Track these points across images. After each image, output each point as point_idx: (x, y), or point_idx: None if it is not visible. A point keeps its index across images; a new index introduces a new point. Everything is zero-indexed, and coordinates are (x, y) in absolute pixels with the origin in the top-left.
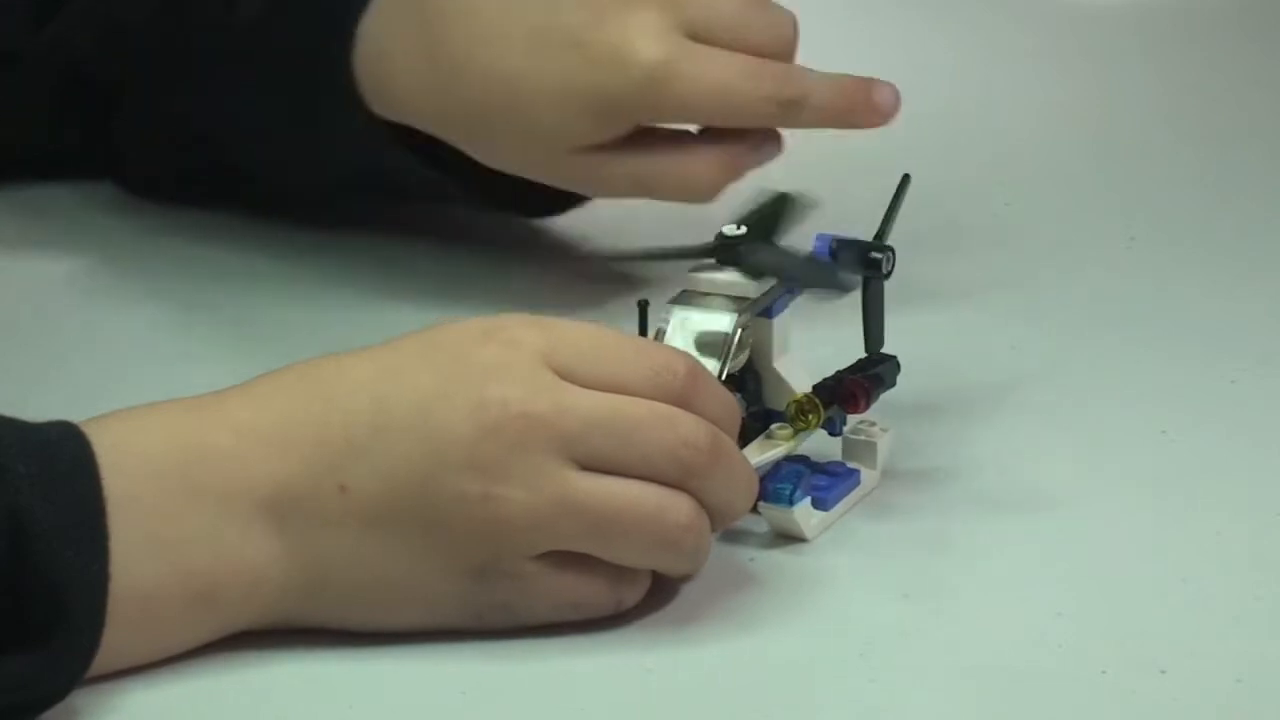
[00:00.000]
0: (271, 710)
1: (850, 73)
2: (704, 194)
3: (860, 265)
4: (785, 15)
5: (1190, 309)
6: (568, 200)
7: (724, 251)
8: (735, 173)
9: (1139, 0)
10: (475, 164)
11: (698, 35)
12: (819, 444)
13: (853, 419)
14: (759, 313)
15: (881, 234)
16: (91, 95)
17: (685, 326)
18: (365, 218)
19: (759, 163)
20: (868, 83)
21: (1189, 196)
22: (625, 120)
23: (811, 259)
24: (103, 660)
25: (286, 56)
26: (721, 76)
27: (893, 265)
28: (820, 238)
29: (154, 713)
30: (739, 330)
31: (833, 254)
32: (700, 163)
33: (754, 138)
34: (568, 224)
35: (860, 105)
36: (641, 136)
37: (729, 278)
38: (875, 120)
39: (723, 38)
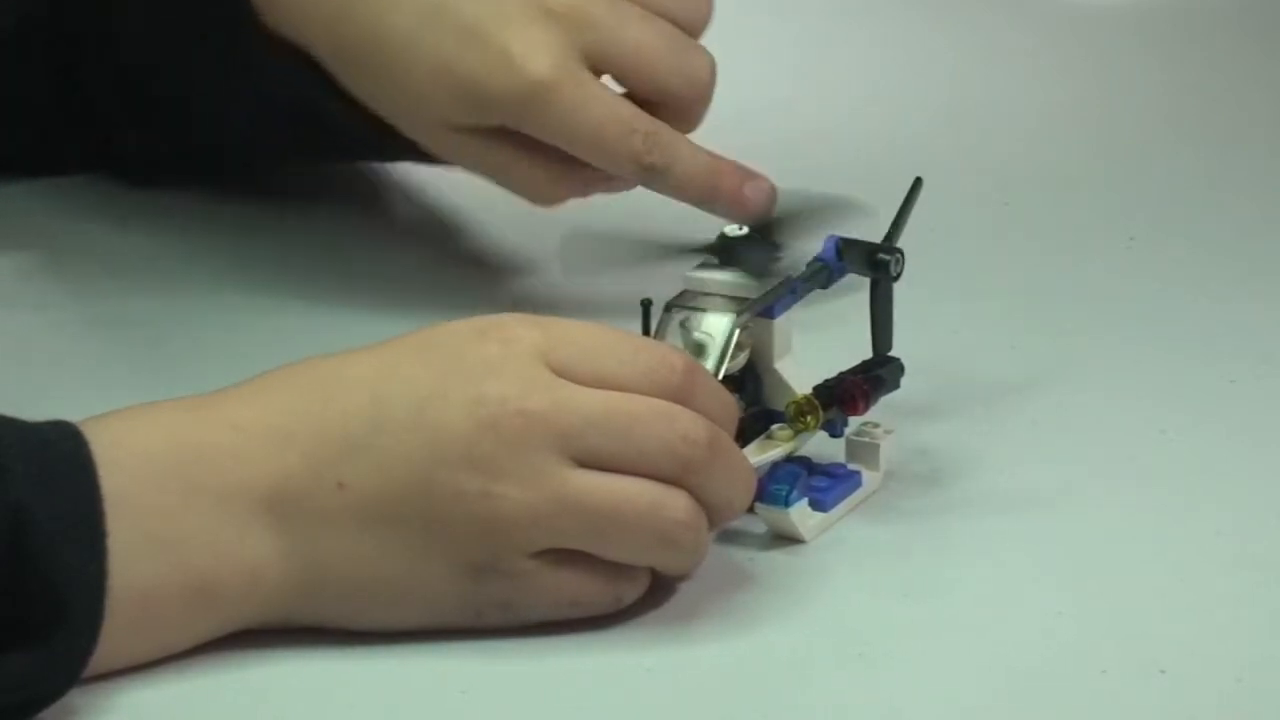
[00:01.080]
0: (271, 710)
1: (720, 153)
2: (546, 203)
3: (867, 267)
4: (698, 61)
5: (1190, 309)
6: None
7: (725, 251)
8: (581, 194)
9: (1139, 0)
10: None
11: (596, 62)
12: (823, 446)
13: (856, 420)
14: (760, 313)
15: (891, 236)
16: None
17: (685, 326)
18: (363, 218)
19: (610, 190)
20: (742, 174)
21: (1189, 196)
22: (492, 119)
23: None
24: (101, 659)
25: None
26: (596, 117)
27: (901, 268)
28: (828, 238)
29: (153, 712)
30: (736, 330)
31: (839, 254)
32: (549, 176)
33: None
34: (568, 221)
35: (726, 192)
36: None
37: (729, 278)
38: (737, 212)
39: (622, 69)
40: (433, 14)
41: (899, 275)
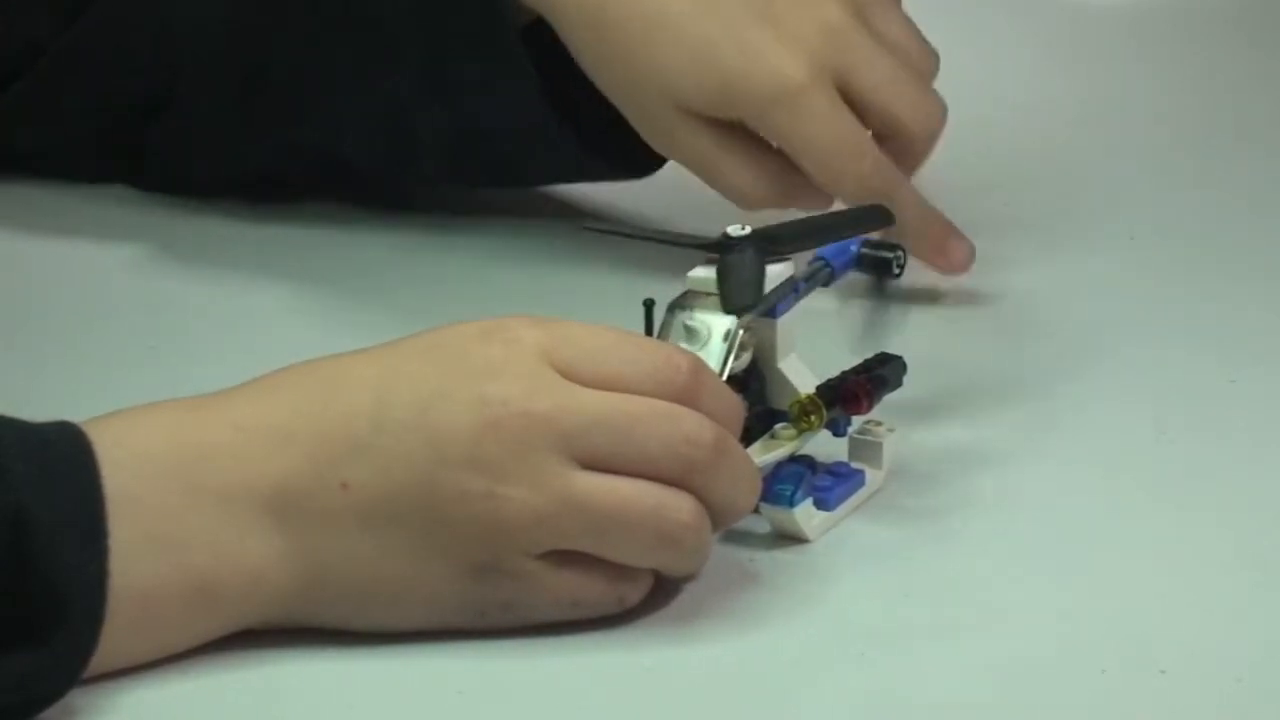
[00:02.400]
0: (271, 710)
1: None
2: (747, 205)
3: (869, 265)
4: (934, 105)
5: (1191, 308)
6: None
7: (727, 251)
8: (782, 204)
9: (1139, 0)
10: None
11: (844, 85)
12: (826, 445)
13: (859, 419)
14: (763, 313)
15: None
16: (123, 100)
17: (688, 327)
18: (366, 219)
19: (808, 207)
20: (950, 228)
21: (1189, 196)
22: (734, 112)
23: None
24: (102, 659)
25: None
26: (835, 132)
27: (903, 266)
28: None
29: (153, 712)
30: (740, 331)
31: (859, 255)
32: (760, 179)
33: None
34: (571, 221)
35: (933, 240)
36: (733, 125)
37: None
38: (939, 263)
39: (866, 97)
40: (707, 2)
41: (900, 273)
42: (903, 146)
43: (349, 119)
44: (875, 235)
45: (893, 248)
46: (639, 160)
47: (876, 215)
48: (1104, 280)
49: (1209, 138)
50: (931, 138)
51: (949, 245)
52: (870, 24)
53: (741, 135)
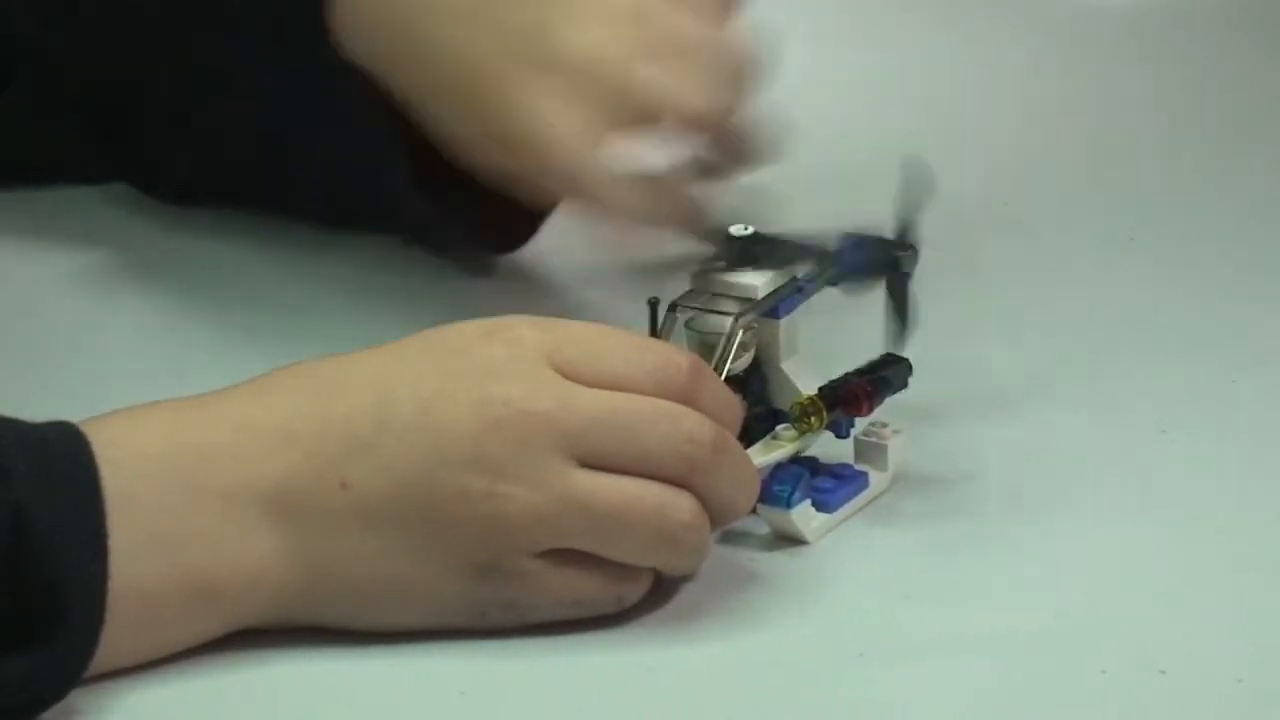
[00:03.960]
0: (271, 710)
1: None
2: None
3: (881, 264)
4: (720, 98)
5: (1192, 308)
6: (524, 234)
7: (731, 251)
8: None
9: (1139, 0)
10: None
11: (626, 115)
12: (832, 446)
13: (866, 421)
14: (765, 313)
15: (903, 232)
16: (108, 101)
17: (689, 326)
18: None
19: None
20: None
21: (1189, 196)
22: (515, 169)
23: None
24: (103, 658)
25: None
26: (610, 197)
27: (915, 265)
28: (840, 236)
29: (153, 712)
30: (739, 331)
31: (855, 251)
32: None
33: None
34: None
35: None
36: None
37: (734, 278)
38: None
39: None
40: (462, 63)
41: (912, 272)
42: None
43: (244, 140)
44: (887, 235)
45: (904, 246)
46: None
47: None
48: (1104, 281)
49: (1209, 137)
50: (718, 118)
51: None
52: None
53: None
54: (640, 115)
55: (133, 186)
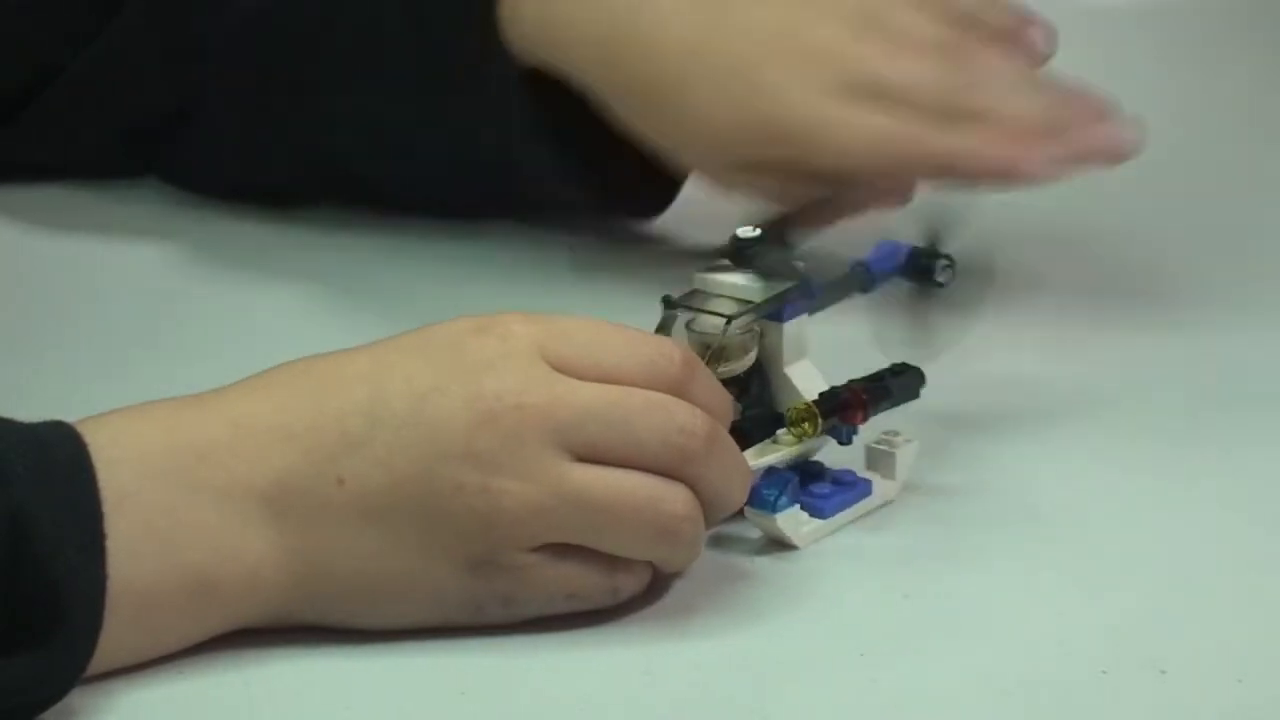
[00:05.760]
0: (270, 709)
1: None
2: (820, 228)
3: (913, 272)
4: (944, 74)
5: (1194, 309)
6: (666, 199)
7: (738, 253)
8: (855, 216)
9: (1144, 0)
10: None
11: (861, 93)
12: (845, 452)
13: (878, 429)
14: (769, 316)
15: (938, 242)
16: (146, 112)
17: (688, 327)
18: (363, 218)
19: (884, 208)
20: (1020, 142)
21: (1192, 195)
22: (767, 154)
23: (830, 264)
24: (102, 658)
25: (419, 28)
26: (866, 144)
27: (951, 274)
28: (881, 243)
29: (152, 711)
30: (733, 333)
31: (906, 261)
32: (828, 203)
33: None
34: (576, 221)
35: (1012, 168)
36: None
37: (736, 280)
38: (1023, 185)
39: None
40: (695, 52)
41: (945, 283)
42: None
43: (357, 144)
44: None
45: (940, 255)
46: (646, 202)
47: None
48: (1107, 281)
49: (1211, 136)
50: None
51: (1020, 168)
52: (885, 19)
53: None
54: (889, 100)
55: (171, 183)
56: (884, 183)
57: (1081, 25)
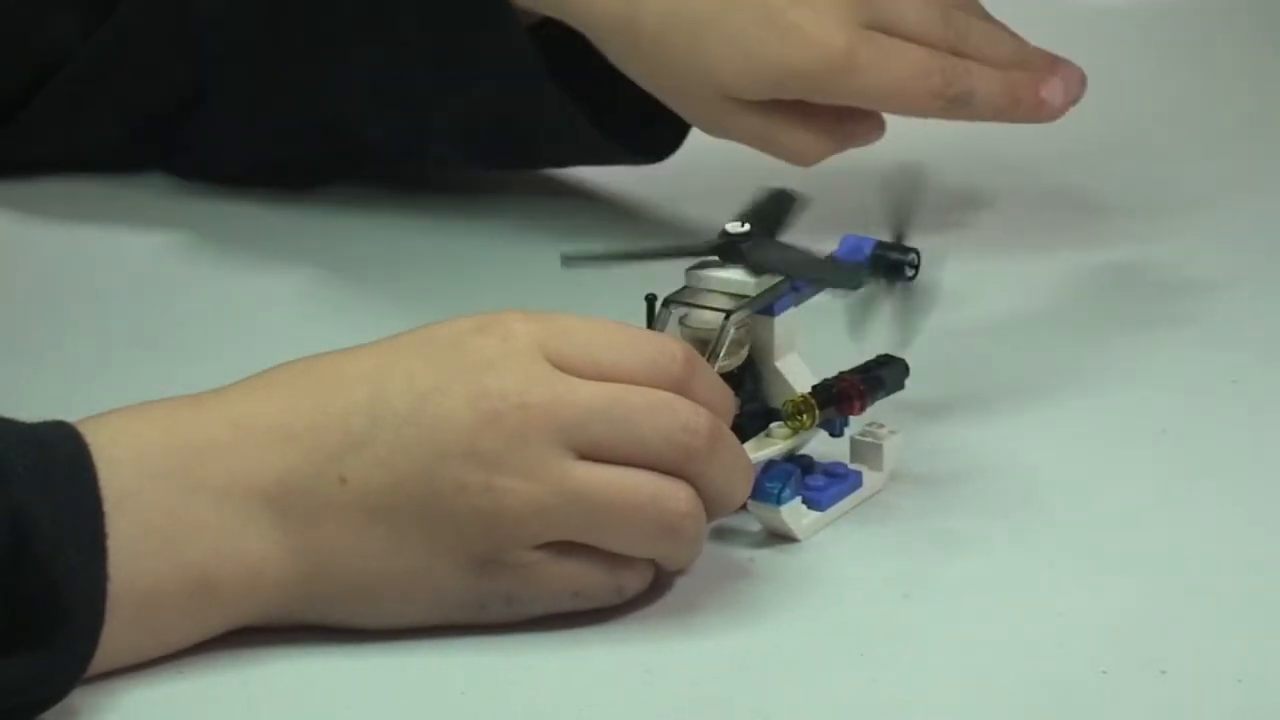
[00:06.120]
0: (270, 709)
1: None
2: (809, 163)
3: (882, 268)
4: (972, 27)
5: (1193, 308)
6: (673, 142)
7: (727, 248)
8: (840, 148)
9: (1147, 1)
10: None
11: (881, 26)
12: (829, 445)
13: (864, 421)
14: (760, 310)
15: (901, 235)
16: (155, 99)
17: (682, 323)
18: (362, 218)
19: (864, 143)
20: (1035, 79)
21: (1191, 194)
22: (789, 93)
23: (819, 257)
24: (103, 657)
25: None
26: (895, 73)
27: (917, 268)
28: (845, 238)
29: (152, 711)
30: (731, 328)
31: (873, 256)
32: (816, 138)
33: (868, 120)
34: (572, 219)
35: (1025, 106)
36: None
37: (729, 275)
38: (1040, 117)
39: (904, 31)
40: (716, 2)
41: (914, 275)
42: None
43: (369, 107)
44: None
45: (907, 250)
46: (656, 144)
47: (857, 279)
48: (1106, 280)
49: (1211, 136)
50: (971, 37)
51: (1041, 99)
52: None
53: (789, 106)
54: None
55: (178, 175)
56: (908, 112)
57: (1081, 25)
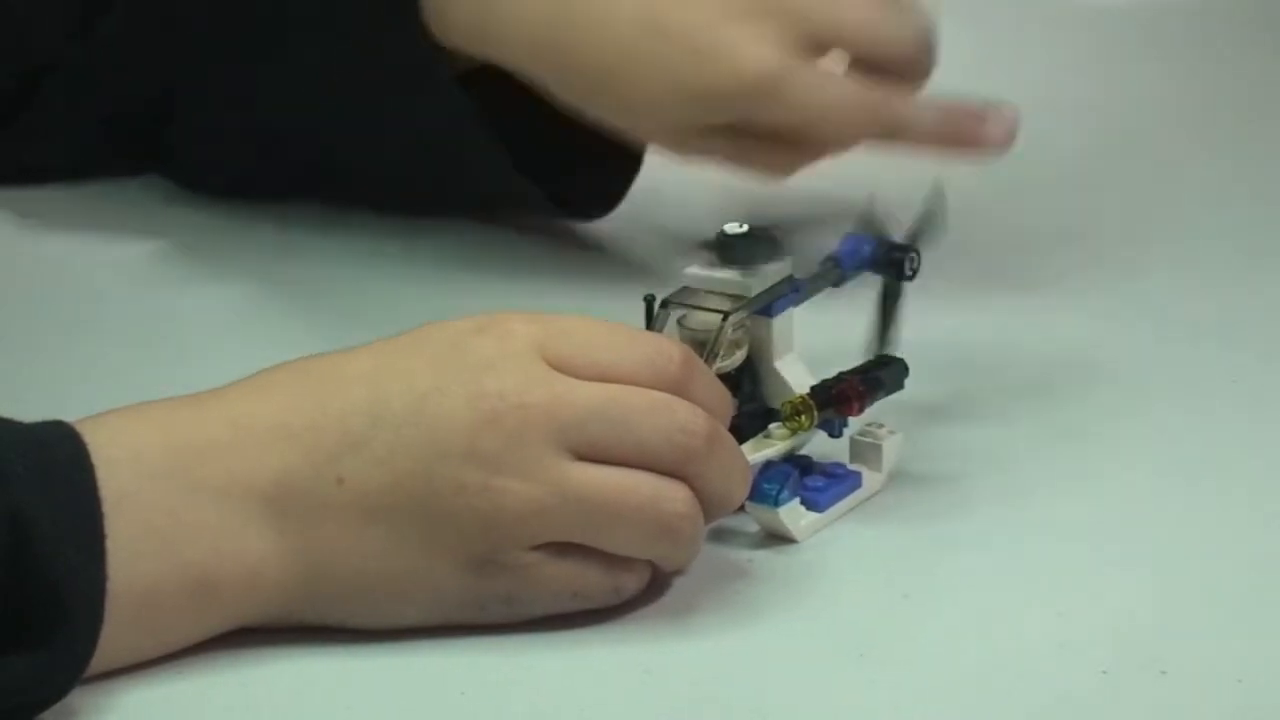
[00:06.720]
0: (270, 709)
1: (970, 97)
2: (780, 180)
3: (882, 266)
4: (914, 20)
5: (1193, 307)
6: (614, 200)
7: (724, 249)
8: (813, 162)
9: (1151, 1)
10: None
11: (816, 45)
12: (827, 445)
13: (863, 421)
14: (758, 311)
15: (914, 237)
16: (140, 105)
17: (681, 323)
18: (361, 217)
19: (837, 155)
20: (979, 116)
21: (1192, 195)
22: (725, 118)
23: (809, 258)
24: (102, 657)
25: (349, 32)
26: (824, 100)
27: (916, 268)
28: (846, 237)
29: (152, 711)
30: (729, 329)
31: (873, 255)
32: (785, 156)
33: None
34: (570, 222)
35: (966, 137)
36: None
37: (727, 276)
38: (982, 154)
39: (843, 47)
40: (647, 26)
41: (913, 275)
42: (902, 71)
43: (322, 144)
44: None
45: (906, 249)
46: (594, 203)
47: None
48: (1106, 280)
49: (1212, 136)
50: (924, 50)
51: (983, 133)
52: None
53: (749, 127)
54: (825, 48)
55: (170, 180)
56: (840, 136)
57: (1081, 25)
